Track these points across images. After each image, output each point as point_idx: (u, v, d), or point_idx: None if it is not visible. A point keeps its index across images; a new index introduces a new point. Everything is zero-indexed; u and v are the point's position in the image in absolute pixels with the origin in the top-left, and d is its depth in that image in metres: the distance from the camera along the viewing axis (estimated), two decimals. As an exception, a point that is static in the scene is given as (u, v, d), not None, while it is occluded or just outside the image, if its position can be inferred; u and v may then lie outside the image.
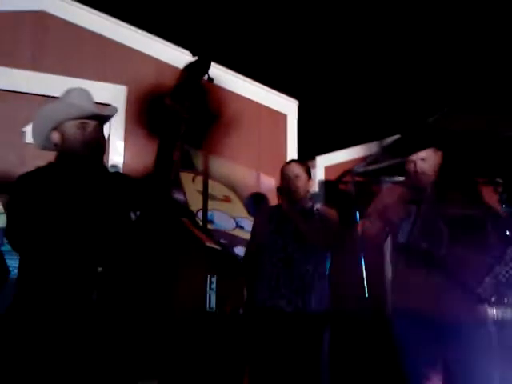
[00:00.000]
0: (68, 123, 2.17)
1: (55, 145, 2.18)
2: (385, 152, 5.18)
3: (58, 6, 4.06)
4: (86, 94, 2.27)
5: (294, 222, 3.21)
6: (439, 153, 2.92)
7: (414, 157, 2.89)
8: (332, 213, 3.37)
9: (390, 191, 3.11)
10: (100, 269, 2.02)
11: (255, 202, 4.52)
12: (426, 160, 2.87)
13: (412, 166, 2.89)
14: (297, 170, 3.31)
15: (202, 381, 3.36)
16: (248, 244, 3.58)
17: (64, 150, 2.18)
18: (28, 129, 2.27)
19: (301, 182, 3.30)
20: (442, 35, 7.45)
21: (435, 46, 7.53)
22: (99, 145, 2.18)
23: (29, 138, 2.23)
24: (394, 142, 5.16)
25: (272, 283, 3.15)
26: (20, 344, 1.96)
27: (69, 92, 2.26)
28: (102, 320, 2.03)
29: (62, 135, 2.17)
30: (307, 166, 3.43)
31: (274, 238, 3.24)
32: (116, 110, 2.33)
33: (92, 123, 2.18)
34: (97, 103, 2.32)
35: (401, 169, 3.14)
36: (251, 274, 3.32)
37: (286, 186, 3.29)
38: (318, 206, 3.41)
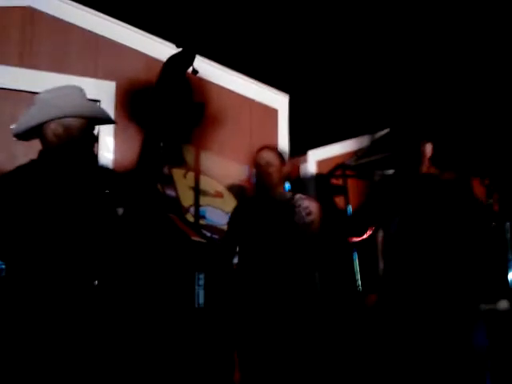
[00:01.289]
0: (61, 121, 2.14)
1: (56, 135, 2.13)
2: (376, 145, 5.19)
3: (46, 1, 4.01)
4: (81, 92, 2.25)
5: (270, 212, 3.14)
6: (429, 144, 2.93)
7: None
8: (314, 204, 3.19)
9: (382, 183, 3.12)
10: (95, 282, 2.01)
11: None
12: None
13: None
14: (268, 156, 3.17)
15: (192, 377, 3.36)
16: (223, 237, 3.49)
17: (51, 146, 2.15)
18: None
19: (273, 168, 3.14)
20: (434, 29, 7.45)
21: (427, 40, 7.54)
22: (83, 145, 2.16)
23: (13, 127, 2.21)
24: (385, 135, 5.16)
25: (252, 275, 3.10)
26: (9, 345, 1.96)
27: (65, 88, 2.23)
28: (91, 317, 2.02)
29: (63, 129, 2.14)
30: (280, 153, 3.27)
31: (250, 230, 3.18)
32: (102, 111, 2.30)
33: (78, 123, 2.16)
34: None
35: (392, 162, 3.14)
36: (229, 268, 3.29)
37: (257, 174, 3.16)
38: (298, 196, 3.21)
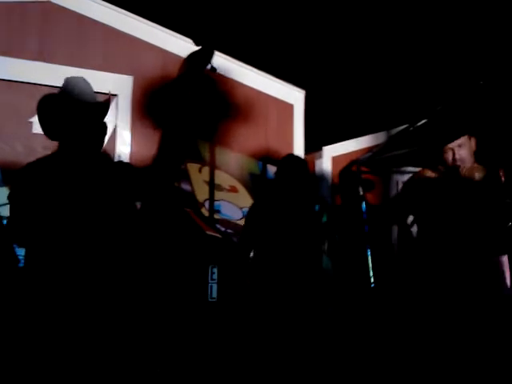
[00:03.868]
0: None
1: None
2: (392, 142, 5.17)
3: (65, -4, 4.06)
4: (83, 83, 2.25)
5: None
6: (473, 139, 2.94)
7: (450, 144, 2.91)
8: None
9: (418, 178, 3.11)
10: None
11: None
12: (462, 147, 2.89)
13: (450, 153, 2.91)
14: (297, 167, 3.32)
15: (204, 370, 3.38)
16: (242, 233, 3.58)
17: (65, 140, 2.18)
18: (35, 119, 2.28)
19: (301, 180, 3.32)
20: (450, 22, 7.39)
21: (444, 34, 7.47)
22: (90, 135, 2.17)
23: (36, 128, 2.24)
24: (401, 131, 5.13)
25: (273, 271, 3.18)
26: (22, 337, 1.98)
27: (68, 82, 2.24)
28: (104, 309, 2.04)
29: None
30: (304, 161, 3.46)
31: (275, 229, 3.26)
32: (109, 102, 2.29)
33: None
34: (103, 93, 2.31)
35: (409, 158, 3.14)
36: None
37: (283, 178, 3.31)
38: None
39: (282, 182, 3.33)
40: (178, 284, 3.39)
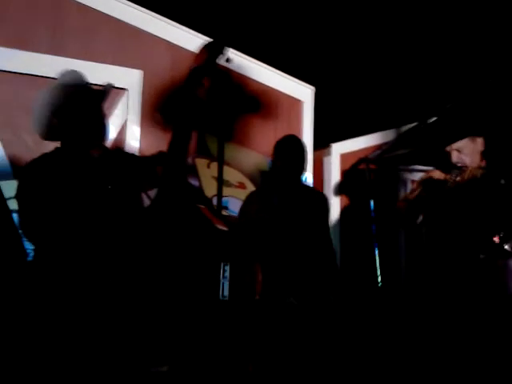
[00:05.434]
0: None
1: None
2: (401, 140, 5.14)
3: (76, -11, 4.05)
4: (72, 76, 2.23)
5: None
6: (479, 140, 2.91)
7: (448, 148, 2.91)
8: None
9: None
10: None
11: None
12: (460, 150, 2.88)
13: (451, 156, 2.91)
14: (293, 148, 3.34)
15: (213, 368, 3.37)
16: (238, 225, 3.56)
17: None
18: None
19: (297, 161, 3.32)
20: (461, 19, 7.33)
21: (455, 31, 7.42)
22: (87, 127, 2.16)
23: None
24: (411, 129, 5.10)
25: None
26: (33, 331, 1.98)
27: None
28: (113, 305, 2.04)
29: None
30: (304, 145, 3.42)
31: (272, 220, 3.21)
32: (108, 88, 2.27)
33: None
34: (113, 87, 2.30)
35: (418, 157, 3.12)
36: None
37: (279, 163, 3.32)
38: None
39: (277, 164, 3.24)
40: (188, 281, 3.36)
